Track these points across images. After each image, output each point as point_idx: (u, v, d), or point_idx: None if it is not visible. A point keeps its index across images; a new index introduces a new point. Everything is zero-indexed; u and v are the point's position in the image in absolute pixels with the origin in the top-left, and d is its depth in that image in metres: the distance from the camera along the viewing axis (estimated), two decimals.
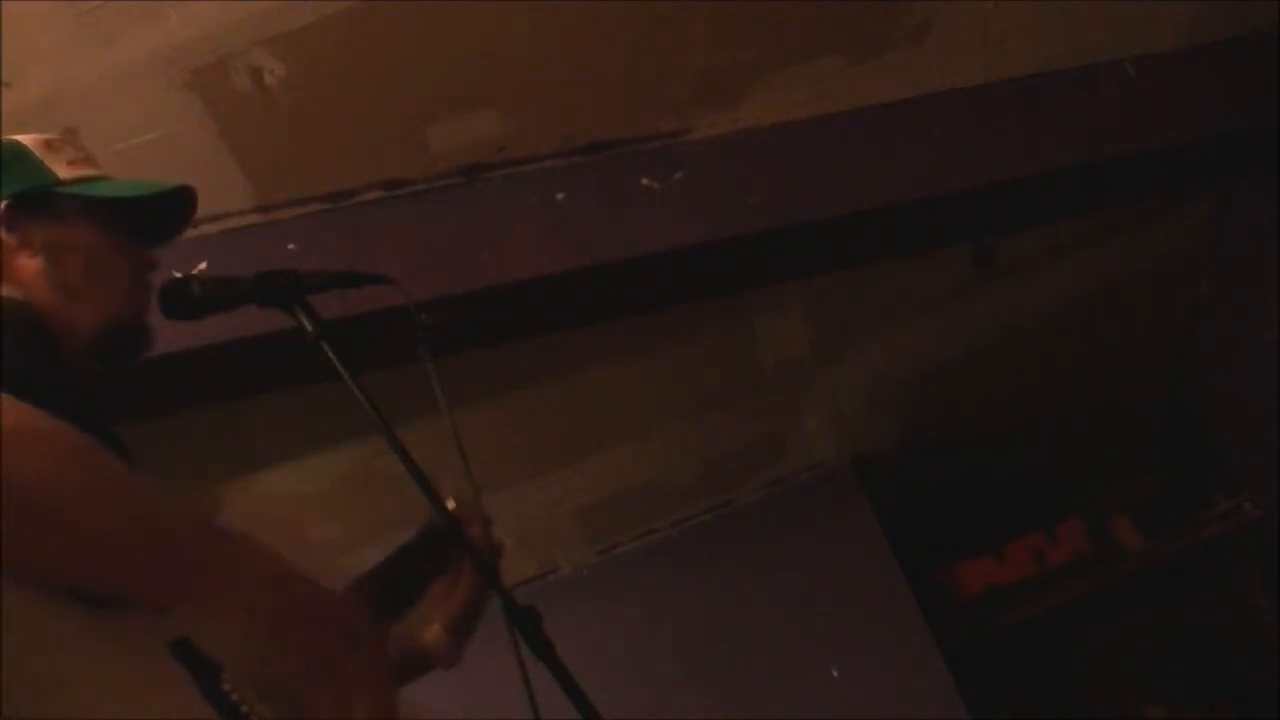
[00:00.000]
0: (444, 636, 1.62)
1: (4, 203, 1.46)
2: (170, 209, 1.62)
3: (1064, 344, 4.25)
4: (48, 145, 1.53)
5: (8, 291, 1.40)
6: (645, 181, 2.89)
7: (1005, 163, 3.07)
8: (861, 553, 4.05)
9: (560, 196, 2.84)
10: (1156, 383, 4.64)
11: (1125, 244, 3.92)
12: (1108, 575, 4.40)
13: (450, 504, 1.53)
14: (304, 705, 1.12)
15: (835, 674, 3.88)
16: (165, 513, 1.07)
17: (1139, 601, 4.45)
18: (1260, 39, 3.30)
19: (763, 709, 3.82)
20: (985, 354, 4.13)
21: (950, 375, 4.16)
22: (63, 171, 1.51)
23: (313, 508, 3.47)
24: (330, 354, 1.49)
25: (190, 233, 2.62)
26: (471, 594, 1.67)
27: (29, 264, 1.44)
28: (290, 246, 2.68)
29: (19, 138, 1.53)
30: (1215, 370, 4.43)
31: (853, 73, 2.98)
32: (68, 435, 1.01)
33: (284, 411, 3.06)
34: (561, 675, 1.37)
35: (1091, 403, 4.56)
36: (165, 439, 2.87)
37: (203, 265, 2.52)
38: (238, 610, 1.10)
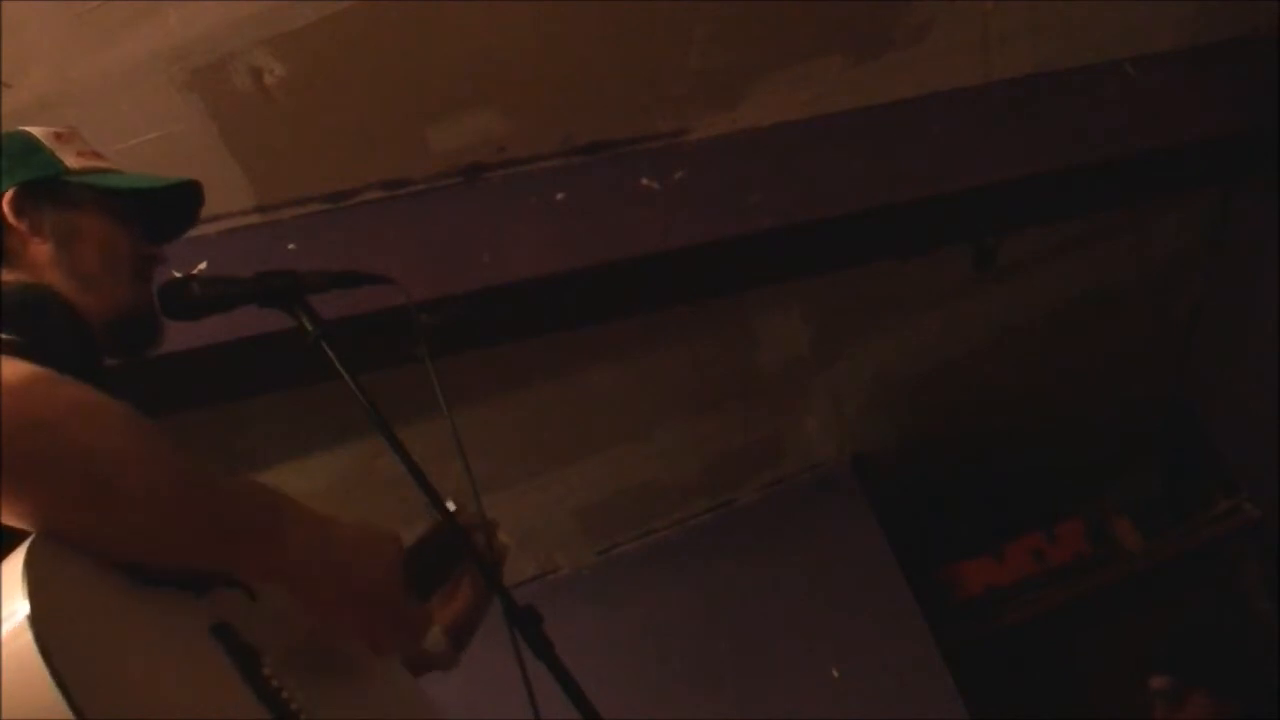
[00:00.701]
0: (443, 640, 1.63)
1: (14, 190, 1.46)
2: (177, 205, 1.63)
3: (1064, 344, 4.25)
4: (57, 137, 1.54)
5: (21, 278, 1.41)
6: (645, 181, 2.89)
7: (1005, 163, 3.07)
8: (861, 553, 4.05)
9: (560, 196, 2.84)
10: (1156, 383, 4.63)
11: (1125, 244, 3.92)
12: (1108, 575, 4.40)
13: (450, 505, 1.54)
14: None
15: (835, 674, 3.88)
16: (211, 480, 1.10)
17: (1139, 601, 4.44)
18: (1260, 39, 3.30)
19: (763, 709, 3.81)
20: (985, 354, 4.12)
21: (950, 375, 4.16)
22: (72, 162, 1.52)
23: (313, 508, 3.46)
24: (330, 354, 1.49)
25: (190, 232, 2.63)
26: (472, 600, 1.68)
27: (41, 250, 1.45)
28: (290, 246, 2.68)
29: (29, 128, 1.54)
30: (1215, 370, 4.43)
31: (853, 73, 2.98)
32: (119, 406, 1.05)
33: (284, 411, 3.06)
34: (561, 675, 1.37)
35: (1091, 403, 4.56)
36: None
37: (203, 265, 2.52)
38: (280, 575, 1.13)
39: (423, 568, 1.62)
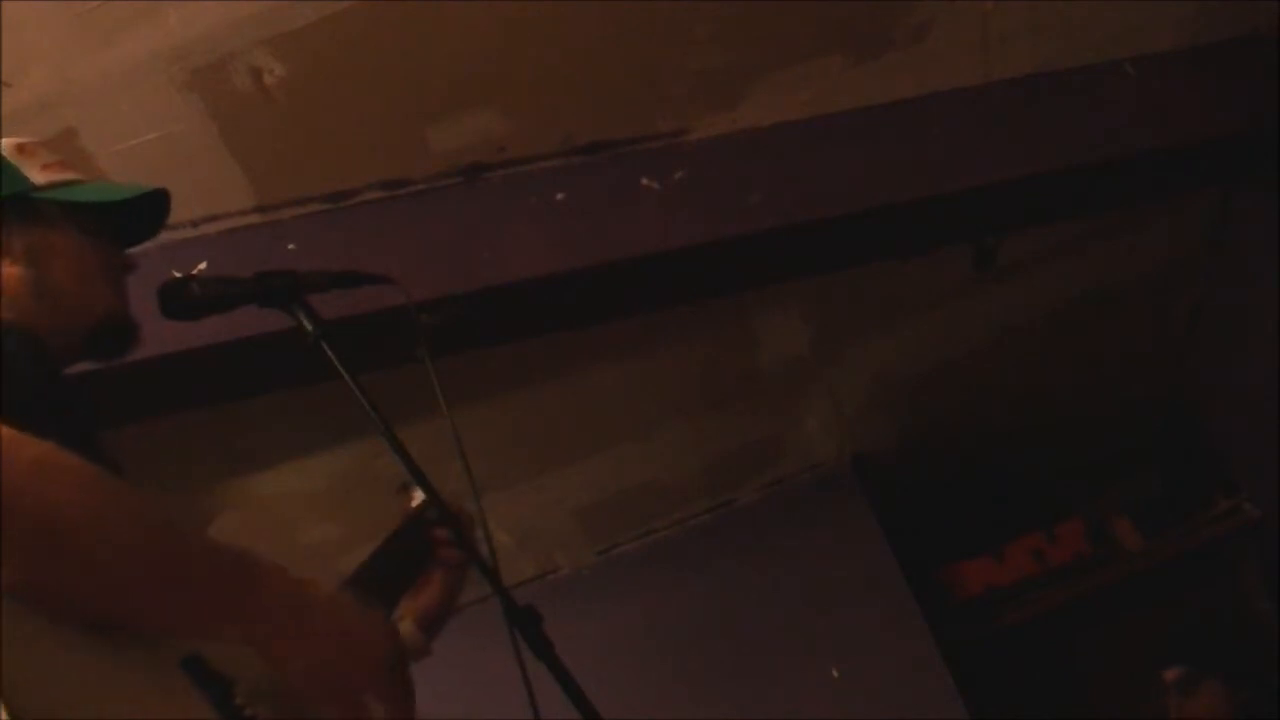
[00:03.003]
0: (415, 630, 1.63)
1: None
2: (146, 212, 1.61)
3: (1064, 344, 4.25)
4: (20, 150, 1.50)
5: None
6: (645, 181, 2.89)
7: (1005, 163, 3.07)
8: (861, 553, 4.05)
9: (560, 196, 2.84)
10: (1156, 383, 4.64)
11: (1125, 244, 3.93)
12: (1108, 575, 4.40)
13: (416, 497, 1.54)
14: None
15: (835, 674, 3.88)
16: (180, 538, 1.07)
17: (1139, 601, 4.44)
18: (1260, 39, 3.30)
19: (763, 709, 3.82)
20: (985, 354, 4.13)
21: (950, 375, 4.16)
22: (37, 176, 1.48)
23: (313, 508, 3.47)
24: (330, 354, 1.49)
25: (190, 233, 2.63)
26: (444, 590, 1.68)
27: (10, 272, 1.41)
28: (290, 246, 2.68)
29: None
30: (1215, 370, 4.43)
31: (853, 73, 2.98)
32: (82, 465, 1.02)
33: (284, 411, 3.06)
34: (561, 675, 1.37)
35: (1091, 403, 4.56)
36: (165, 439, 2.87)
37: (203, 265, 2.52)
38: (251, 640, 1.10)
39: (395, 563, 1.63)
